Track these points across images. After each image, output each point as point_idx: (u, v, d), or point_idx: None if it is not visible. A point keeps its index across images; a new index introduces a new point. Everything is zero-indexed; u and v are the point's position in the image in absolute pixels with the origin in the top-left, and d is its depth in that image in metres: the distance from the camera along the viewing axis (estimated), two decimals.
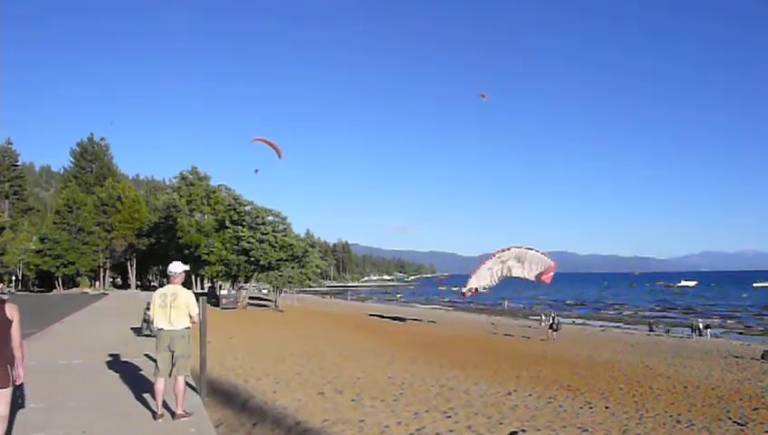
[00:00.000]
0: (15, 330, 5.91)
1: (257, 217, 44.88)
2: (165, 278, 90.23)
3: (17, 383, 6.02)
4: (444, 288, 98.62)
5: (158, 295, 7.92)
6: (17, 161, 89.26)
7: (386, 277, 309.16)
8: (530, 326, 44.34)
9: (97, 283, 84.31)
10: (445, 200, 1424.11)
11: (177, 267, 8.16)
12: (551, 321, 35.52)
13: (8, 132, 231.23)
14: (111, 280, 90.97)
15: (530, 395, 13.81)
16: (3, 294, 65.32)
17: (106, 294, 64.14)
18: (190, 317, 7.89)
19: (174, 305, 7.74)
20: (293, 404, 9.93)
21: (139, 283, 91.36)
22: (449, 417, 10.16)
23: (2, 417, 6.00)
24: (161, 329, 7.75)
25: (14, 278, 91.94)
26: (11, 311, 5.90)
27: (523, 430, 9.49)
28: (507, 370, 18.99)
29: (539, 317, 48.17)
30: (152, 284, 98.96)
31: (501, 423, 9.95)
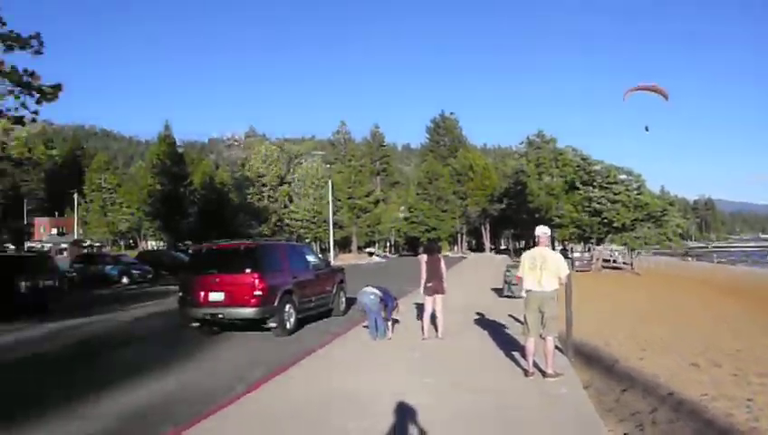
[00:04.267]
0: (444, 267, 11.21)
1: (608, 176, 43.14)
2: (516, 242, 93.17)
3: (445, 293, 11.29)
4: None
5: (527, 258, 8.16)
6: (384, 142, 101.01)
7: (762, 236, 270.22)
8: None
9: (455, 246, 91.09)
10: None
11: (542, 230, 8.29)
12: None
13: (374, 118, 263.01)
14: (467, 244, 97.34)
15: None
16: (377, 255, 74.86)
17: (465, 257, 68.89)
18: (559, 279, 7.97)
19: (544, 268, 7.89)
20: (664, 373, 9.34)
21: (492, 246, 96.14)
22: None
23: (439, 310, 11.26)
24: (530, 290, 7.98)
25: (387, 244, 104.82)
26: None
27: None
28: None
29: None
30: (503, 248, 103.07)
31: None
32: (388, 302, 11.70)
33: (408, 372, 8.66)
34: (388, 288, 12.22)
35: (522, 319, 8.77)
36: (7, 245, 74.61)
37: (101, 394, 8.15)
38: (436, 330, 11.39)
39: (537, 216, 50.82)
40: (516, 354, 9.30)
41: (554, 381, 7.72)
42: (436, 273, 11.26)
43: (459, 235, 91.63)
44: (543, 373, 7.93)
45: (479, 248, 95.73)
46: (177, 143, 78.61)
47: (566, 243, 54.22)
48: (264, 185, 79.14)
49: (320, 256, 17.91)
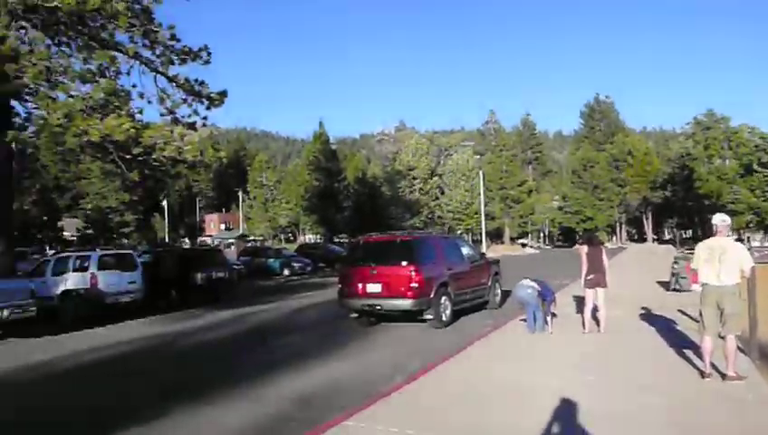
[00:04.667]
0: (605, 258, 10.84)
1: None
2: (681, 231, 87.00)
3: (607, 287, 10.77)
4: None
5: (703, 248, 7.50)
6: (535, 130, 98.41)
7: None
8: None
9: (613, 237, 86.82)
10: None
11: (721, 219, 7.58)
12: None
13: (524, 106, 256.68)
14: (626, 234, 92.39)
15: None
16: (531, 247, 73.17)
17: (624, 247, 65.46)
18: (741, 272, 7.26)
19: (723, 260, 7.19)
20: None
21: (654, 236, 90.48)
22: None
23: (601, 305, 10.80)
24: (707, 284, 7.33)
25: (540, 234, 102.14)
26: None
27: None
28: None
29: None
30: (666, 238, 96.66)
31: None
32: (546, 296, 11.34)
33: (568, 367, 8.33)
34: (545, 281, 11.86)
35: (695, 315, 8.12)
36: (184, 239, 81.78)
37: (272, 379, 8.68)
38: (598, 325, 10.88)
39: (706, 203, 46.96)
40: (689, 353, 8.61)
41: (736, 384, 7.05)
42: (597, 265, 10.75)
43: (618, 224, 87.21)
44: (723, 375, 7.26)
45: (640, 239, 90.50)
46: (331, 140, 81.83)
47: (741, 232, 49.69)
48: (414, 178, 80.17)
49: (474, 247, 17.76)
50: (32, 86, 15.58)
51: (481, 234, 65.58)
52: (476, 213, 69.68)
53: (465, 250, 15.38)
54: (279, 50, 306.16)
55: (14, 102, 17.68)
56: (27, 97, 17.02)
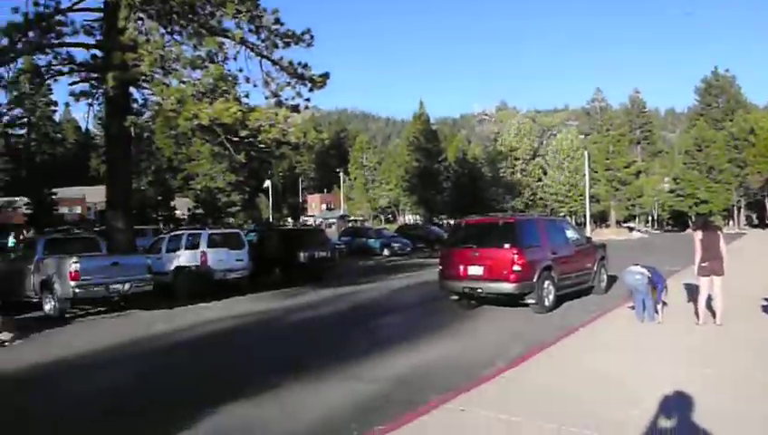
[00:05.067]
0: (723, 244, 10.09)
1: None
2: None
3: (723, 275, 10.00)
4: None
5: None
6: (644, 108, 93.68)
7: None
8: None
9: (730, 221, 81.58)
10: None
11: None
12: None
13: (633, 82, 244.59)
14: (746, 219, 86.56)
15: None
16: (638, 231, 70.13)
17: (742, 233, 61.40)
18: None
19: None
20: None
21: None
22: None
23: (717, 294, 10.05)
24: None
25: (649, 218, 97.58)
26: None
27: None
28: None
29: None
30: None
31: None
32: (657, 283, 10.76)
33: (681, 360, 7.84)
34: (656, 268, 11.26)
35: None
36: (287, 219, 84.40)
37: (371, 358, 8.80)
38: (714, 316, 10.19)
39: None
40: None
41: None
42: (713, 251, 10.02)
43: (735, 208, 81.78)
44: None
45: (761, 224, 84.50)
46: (431, 121, 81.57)
47: None
48: (516, 159, 78.71)
49: (579, 230, 17.16)
50: (147, 73, 16.37)
51: (585, 217, 63.46)
52: (581, 195, 67.54)
53: (570, 233, 14.90)
54: (379, 30, 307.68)
55: (132, 89, 18.74)
56: (144, 84, 17.94)
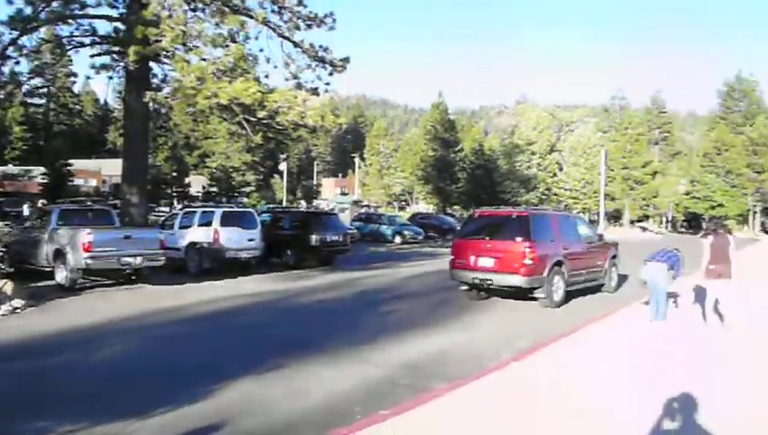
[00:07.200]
0: (733, 248, 9.80)
1: None
2: None
3: (731, 278, 9.60)
4: None
5: None
6: (665, 109, 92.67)
7: None
8: None
9: (745, 227, 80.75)
10: None
11: None
12: None
13: (655, 83, 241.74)
14: (761, 225, 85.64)
15: None
16: (651, 231, 69.64)
17: (757, 239, 60.77)
18: None
19: None
20: None
21: None
22: None
23: (725, 298, 9.84)
24: None
25: (663, 219, 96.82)
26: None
27: None
28: None
29: None
30: None
31: None
32: (675, 266, 10.70)
33: (686, 362, 7.78)
34: (673, 251, 11.09)
35: None
36: (300, 201, 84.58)
37: (380, 343, 8.85)
38: (721, 319, 10.08)
39: None
40: None
41: None
42: (722, 254, 9.76)
43: (751, 214, 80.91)
44: None
45: None
46: (449, 111, 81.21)
47: None
48: (533, 153, 78.18)
49: (592, 227, 17.06)
50: (169, 49, 16.38)
51: (599, 214, 63.09)
52: (595, 192, 67.04)
53: (583, 230, 14.82)
54: (402, 18, 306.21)
55: (152, 65, 18.78)
56: (164, 60, 17.98)
